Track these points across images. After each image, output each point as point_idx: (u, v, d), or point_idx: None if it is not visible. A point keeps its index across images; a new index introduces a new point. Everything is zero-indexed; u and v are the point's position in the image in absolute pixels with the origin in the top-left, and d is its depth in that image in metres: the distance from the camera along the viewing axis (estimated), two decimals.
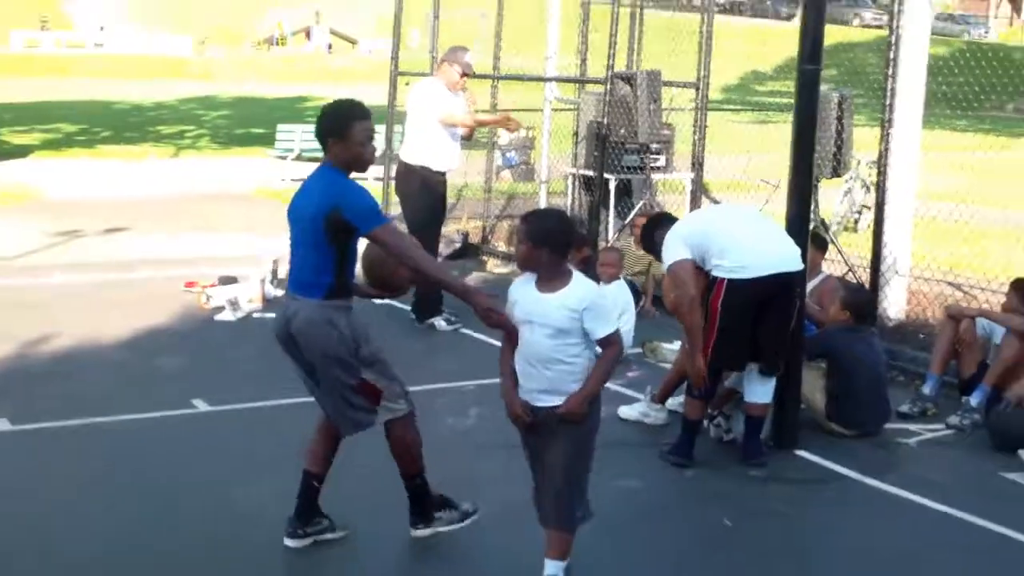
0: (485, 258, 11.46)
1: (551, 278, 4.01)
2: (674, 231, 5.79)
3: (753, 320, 5.63)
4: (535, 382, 4.04)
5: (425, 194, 8.65)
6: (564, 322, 3.95)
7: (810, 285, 7.38)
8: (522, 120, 14.64)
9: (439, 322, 8.64)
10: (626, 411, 6.53)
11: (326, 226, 4.33)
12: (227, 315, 8.72)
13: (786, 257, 5.68)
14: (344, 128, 4.41)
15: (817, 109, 5.97)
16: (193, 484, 5.29)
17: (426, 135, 8.67)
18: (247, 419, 6.36)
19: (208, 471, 5.50)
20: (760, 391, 5.85)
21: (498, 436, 5.53)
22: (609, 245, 9.86)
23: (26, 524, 4.86)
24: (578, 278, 4.03)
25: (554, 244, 3.99)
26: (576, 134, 12.16)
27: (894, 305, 8.47)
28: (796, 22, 7.71)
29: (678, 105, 12.42)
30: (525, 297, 4.06)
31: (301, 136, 17.96)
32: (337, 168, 4.44)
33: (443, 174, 8.86)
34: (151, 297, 9.26)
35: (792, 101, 5.93)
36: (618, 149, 10.72)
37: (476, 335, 8.29)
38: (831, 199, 11.90)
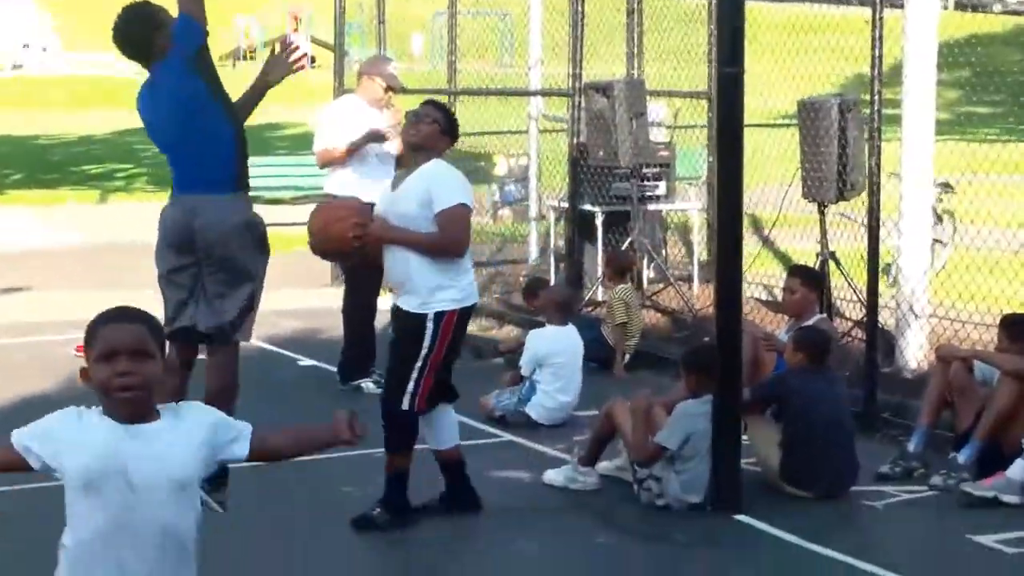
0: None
1: (148, 408, 3.50)
2: None
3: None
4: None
5: None
6: (189, 466, 3.47)
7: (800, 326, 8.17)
8: (516, 144, 15.67)
9: (367, 384, 9.43)
10: (551, 475, 7.33)
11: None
12: None
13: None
14: None
15: (741, 118, 6.81)
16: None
17: (353, 163, 9.52)
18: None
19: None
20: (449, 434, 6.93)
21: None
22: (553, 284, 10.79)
23: None
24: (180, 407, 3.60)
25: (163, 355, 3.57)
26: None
27: (912, 353, 9.14)
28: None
29: (690, 121, 13.35)
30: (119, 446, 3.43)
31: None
32: None
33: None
34: (39, 362, 10.19)
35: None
36: (604, 175, 11.57)
37: None
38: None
